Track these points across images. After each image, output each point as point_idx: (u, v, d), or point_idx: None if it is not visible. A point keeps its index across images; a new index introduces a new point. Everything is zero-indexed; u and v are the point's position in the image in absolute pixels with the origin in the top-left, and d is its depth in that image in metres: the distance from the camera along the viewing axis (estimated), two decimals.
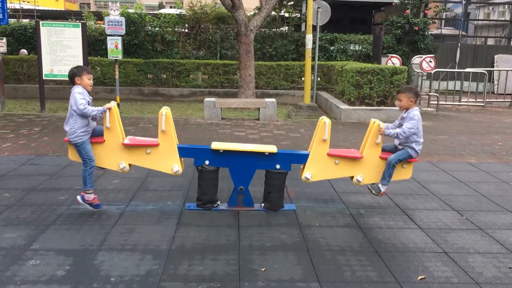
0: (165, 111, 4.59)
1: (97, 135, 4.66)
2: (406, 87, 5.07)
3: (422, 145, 4.86)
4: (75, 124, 4.46)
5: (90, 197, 4.58)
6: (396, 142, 4.90)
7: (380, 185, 4.84)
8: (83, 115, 4.45)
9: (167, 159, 4.70)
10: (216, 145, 4.76)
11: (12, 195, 5.07)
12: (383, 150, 4.91)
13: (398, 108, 4.94)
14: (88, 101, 4.52)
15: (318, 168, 4.80)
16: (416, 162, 5.06)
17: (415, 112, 4.77)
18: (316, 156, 4.79)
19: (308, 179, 4.79)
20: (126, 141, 4.69)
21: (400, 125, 4.88)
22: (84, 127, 4.49)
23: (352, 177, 4.92)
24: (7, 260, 3.58)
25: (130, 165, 4.76)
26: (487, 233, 4.39)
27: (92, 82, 4.64)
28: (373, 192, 4.87)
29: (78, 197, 4.61)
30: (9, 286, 3.22)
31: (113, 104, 4.59)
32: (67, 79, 4.63)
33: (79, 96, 4.43)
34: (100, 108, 4.49)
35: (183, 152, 4.78)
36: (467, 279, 3.49)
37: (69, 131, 4.49)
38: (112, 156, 4.67)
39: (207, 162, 4.74)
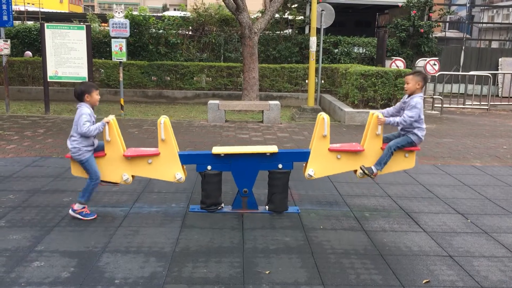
0: (163, 120, 4.58)
1: (98, 150, 4.65)
2: (416, 70, 5.00)
3: (425, 131, 4.82)
4: (80, 143, 4.44)
5: (80, 206, 4.53)
6: (399, 127, 4.86)
7: (373, 167, 4.78)
8: (85, 136, 4.43)
9: (169, 168, 4.70)
10: (217, 150, 4.76)
11: (17, 197, 5.09)
12: (388, 139, 4.88)
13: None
14: (93, 121, 4.51)
15: (320, 164, 4.79)
16: (418, 150, 5.01)
17: (417, 99, 4.69)
18: (318, 153, 4.78)
19: (311, 176, 4.78)
20: (127, 152, 4.69)
21: (402, 109, 4.84)
22: (89, 146, 4.49)
23: (355, 171, 4.91)
24: (12, 262, 3.59)
25: (133, 176, 4.75)
26: (492, 237, 4.37)
27: (99, 96, 4.65)
28: (366, 172, 4.75)
29: (70, 210, 4.56)
30: (14, 287, 3.23)
31: (111, 117, 4.58)
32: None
33: (85, 118, 4.40)
34: (99, 124, 4.46)
35: (185, 159, 4.78)
36: (472, 283, 3.47)
37: (73, 149, 4.45)
38: (115, 168, 4.66)
39: (209, 168, 4.74)
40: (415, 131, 4.73)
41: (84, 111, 4.45)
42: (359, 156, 4.83)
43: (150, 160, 4.68)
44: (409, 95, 4.79)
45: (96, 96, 4.55)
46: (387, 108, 4.98)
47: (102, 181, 4.73)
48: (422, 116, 4.74)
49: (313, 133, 4.90)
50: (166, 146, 4.65)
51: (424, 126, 4.78)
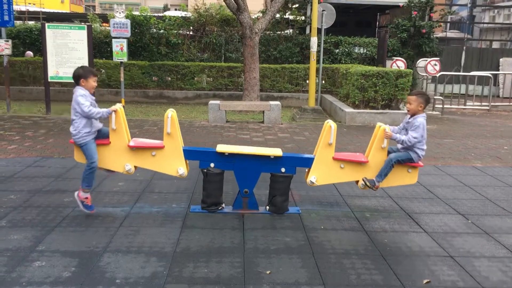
0: (171, 114, 4.61)
1: (102, 137, 4.67)
2: (418, 91, 5.02)
3: (425, 151, 4.84)
4: (79, 125, 4.46)
5: (84, 195, 4.56)
6: (399, 145, 4.89)
7: (375, 179, 4.80)
8: (88, 117, 4.46)
9: (172, 161, 4.71)
10: (221, 148, 4.76)
11: (18, 197, 5.09)
12: (390, 153, 4.89)
13: (403, 111, 4.93)
14: (91, 102, 4.52)
15: (323, 172, 4.79)
16: (422, 167, 5.03)
17: (420, 119, 4.70)
18: (322, 160, 4.78)
19: (313, 183, 4.78)
20: (132, 143, 4.70)
21: (404, 129, 4.86)
22: (88, 127, 4.49)
23: (357, 182, 4.91)
24: (13, 262, 3.60)
25: (135, 167, 4.77)
26: (493, 237, 4.37)
27: (96, 84, 4.65)
28: (368, 184, 4.77)
29: (75, 193, 4.61)
30: (15, 287, 3.23)
31: (119, 106, 4.60)
32: (73, 81, 4.61)
33: (82, 99, 4.41)
34: (105, 110, 4.49)
35: (189, 154, 4.78)
36: (473, 284, 3.47)
37: (74, 132, 4.49)
38: (118, 158, 4.68)
39: (212, 165, 4.74)
40: (416, 149, 4.75)
41: (79, 92, 4.45)
42: (362, 167, 4.82)
43: (154, 153, 4.69)
44: (411, 115, 4.80)
45: (92, 82, 4.55)
46: (393, 126, 4.97)
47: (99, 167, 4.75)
48: (425, 136, 4.76)
49: (318, 139, 4.90)
50: (171, 140, 4.67)
51: (425, 147, 4.79)
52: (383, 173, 4.76)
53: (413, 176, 4.92)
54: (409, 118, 4.81)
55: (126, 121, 4.69)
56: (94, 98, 4.62)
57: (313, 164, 4.79)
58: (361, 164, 4.81)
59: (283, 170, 4.78)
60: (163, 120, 4.65)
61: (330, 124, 4.69)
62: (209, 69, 14.80)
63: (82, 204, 4.57)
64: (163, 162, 4.72)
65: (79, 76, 4.50)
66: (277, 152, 4.78)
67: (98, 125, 4.63)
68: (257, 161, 4.76)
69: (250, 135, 9.16)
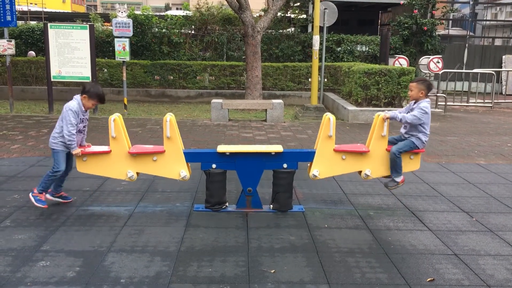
0: (169, 118, 4.59)
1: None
2: (420, 78, 5.04)
3: (428, 137, 4.83)
4: (60, 133, 4.54)
5: (38, 192, 4.65)
6: (402, 130, 4.88)
7: (394, 179, 4.84)
8: (62, 136, 4.54)
9: (174, 165, 4.70)
10: (222, 148, 4.76)
11: (22, 197, 5.09)
12: (392, 142, 4.88)
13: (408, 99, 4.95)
14: (82, 118, 4.61)
15: (325, 164, 4.79)
16: (423, 152, 5.01)
17: (425, 104, 4.72)
18: (323, 153, 4.77)
19: (316, 176, 4.78)
20: (132, 149, 4.70)
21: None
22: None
23: (360, 172, 4.90)
24: (18, 261, 3.60)
25: (137, 173, 4.77)
26: (498, 235, 4.35)
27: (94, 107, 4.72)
28: (393, 189, 4.86)
29: (30, 194, 4.67)
30: (20, 287, 3.24)
31: (78, 151, 4.59)
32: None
33: (72, 118, 4.48)
34: (74, 146, 4.54)
35: (190, 157, 4.78)
36: (478, 282, 3.46)
37: (55, 135, 4.56)
38: (119, 165, 4.68)
39: (214, 166, 4.74)
40: (420, 135, 4.74)
41: (73, 108, 4.51)
42: (364, 157, 4.82)
43: (155, 158, 4.69)
44: (415, 102, 4.82)
45: (91, 104, 4.65)
46: (392, 111, 4.98)
47: None
48: (429, 121, 4.76)
49: (318, 133, 4.90)
50: (171, 143, 4.66)
51: (428, 131, 4.79)
52: (397, 168, 4.77)
53: (415, 162, 4.92)
54: (413, 105, 4.82)
55: (125, 129, 4.70)
56: (87, 114, 4.71)
57: (315, 158, 4.78)
58: (362, 154, 4.81)
59: (285, 166, 4.77)
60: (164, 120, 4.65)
61: (329, 117, 4.69)
62: (211, 68, 14.80)
63: (34, 199, 4.62)
64: (165, 166, 4.71)
65: (86, 91, 4.58)
66: (278, 148, 4.77)
67: (78, 139, 4.68)
68: (259, 159, 4.75)
69: (253, 134, 9.16)
